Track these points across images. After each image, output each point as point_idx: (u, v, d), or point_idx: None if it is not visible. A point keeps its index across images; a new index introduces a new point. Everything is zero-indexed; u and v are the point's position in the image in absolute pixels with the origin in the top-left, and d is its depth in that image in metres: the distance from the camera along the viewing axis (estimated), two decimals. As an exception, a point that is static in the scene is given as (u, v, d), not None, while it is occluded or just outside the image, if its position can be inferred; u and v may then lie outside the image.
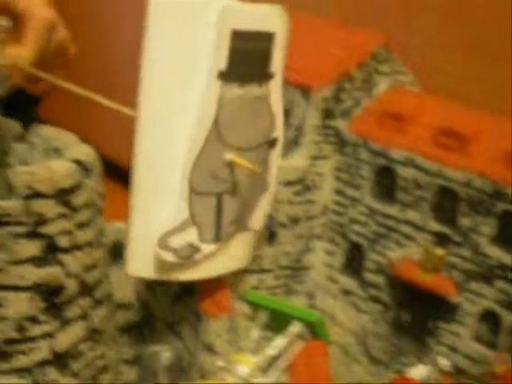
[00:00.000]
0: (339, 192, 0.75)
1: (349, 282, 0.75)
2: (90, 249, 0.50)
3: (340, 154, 0.75)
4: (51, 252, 0.48)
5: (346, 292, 0.75)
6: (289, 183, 0.72)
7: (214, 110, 0.55)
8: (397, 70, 0.79)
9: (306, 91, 0.73)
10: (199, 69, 0.54)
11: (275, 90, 0.60)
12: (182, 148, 0.55)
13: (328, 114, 0.74)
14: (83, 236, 0.50)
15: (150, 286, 0.71)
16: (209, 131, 0.56)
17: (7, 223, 0.46)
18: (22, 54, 0.55)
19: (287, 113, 0.74)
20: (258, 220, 0.63)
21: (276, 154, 0.63)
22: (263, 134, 0.61)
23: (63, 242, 0.48)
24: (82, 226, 0.50)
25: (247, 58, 0.56)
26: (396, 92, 0.77)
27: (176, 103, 0.54)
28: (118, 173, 1.10)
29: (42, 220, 0.47)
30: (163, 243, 0.55)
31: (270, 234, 0.72)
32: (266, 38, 0.57)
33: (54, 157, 0.55)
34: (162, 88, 0.53)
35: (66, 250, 0.48)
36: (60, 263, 0.48)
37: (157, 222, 0.55)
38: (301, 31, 0.76)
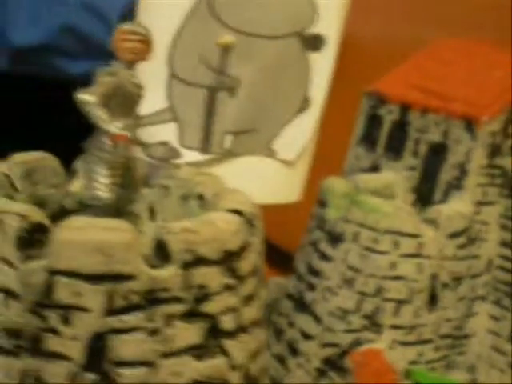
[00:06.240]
0: (507, 244, 0.62)
1: (521, 354, 0.61)
2: (257, 330, 0.38)
3: (508, 198, 0.62)
4: (213, 337, 0.35)
5: (518, 366, 0.61)
6: (453, 234, 0.58)
7: None
8: None
9: (470, 124, 0.60)
10: None
11: None
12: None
13: (495, 151, 0.61)
14: (249, 313, 0.37)
15: (282, 359, 0.58)
16: None
17: (162, 301, 0.33)
18: None
19: (445, 149, 0.62)
20: (289, 146, 0.48)
21: (323, 57, 0.48)
22: (292, 22, 0.46)
23: (228, 323, 0.36)
24: (248, 299, 0.37)
25: None
26: None
27: None
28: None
29: (204, 295, 0.34)
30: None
31: (431, 297, 0.58)
32: None
33: (197, 205, 0.42)
34: None
35: (230, 334, 0.36)
36: (224, 352, 0.35)
37: None
38: (459, 56, 0.64)
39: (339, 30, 0.50)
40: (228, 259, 0.35)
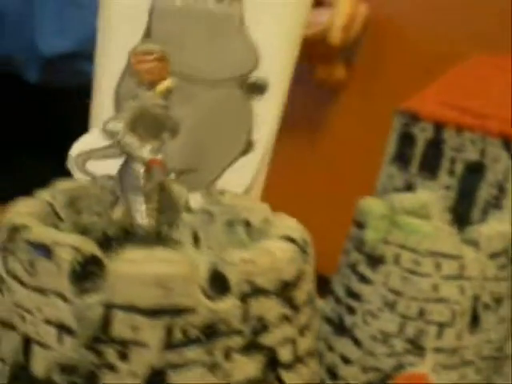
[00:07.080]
0: (545, 263, 0.61)
1: None
2: (311, 360, 0.37)
3: (546, 217, 0.61)
4: (272, 370, 0.34)
5: (561, 388, 0.60)
6: (493, 255, 0.57)
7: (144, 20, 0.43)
8: None
9: (508, 143, 0.59)
10: None
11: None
12: None
13: (534, 169, 0.60)
14: (305, 344, 0.36)
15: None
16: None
17: (221, 333, 0.32)
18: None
19: (482, 168, 0.61)
20: (232, 187, 0.48)
21: (268, 101, 0.48)
22: (231, 68, 0.46)
23: (285, 354, 0.35)
24: (303, 329, 0.36)
25: None
26: None
27: None
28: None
29: (262, 326, 0.34)
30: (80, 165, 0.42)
31: (473, 319, 0.57)
32: None
33: (244, 232, 0.42)
34: None
35: (288, 366, 0.35)
36: (282, 384, 0.34)
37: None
38: (494, 73, 0.63)
39: (285, 73, 0.50)
40: (285, 289, 0.34)
